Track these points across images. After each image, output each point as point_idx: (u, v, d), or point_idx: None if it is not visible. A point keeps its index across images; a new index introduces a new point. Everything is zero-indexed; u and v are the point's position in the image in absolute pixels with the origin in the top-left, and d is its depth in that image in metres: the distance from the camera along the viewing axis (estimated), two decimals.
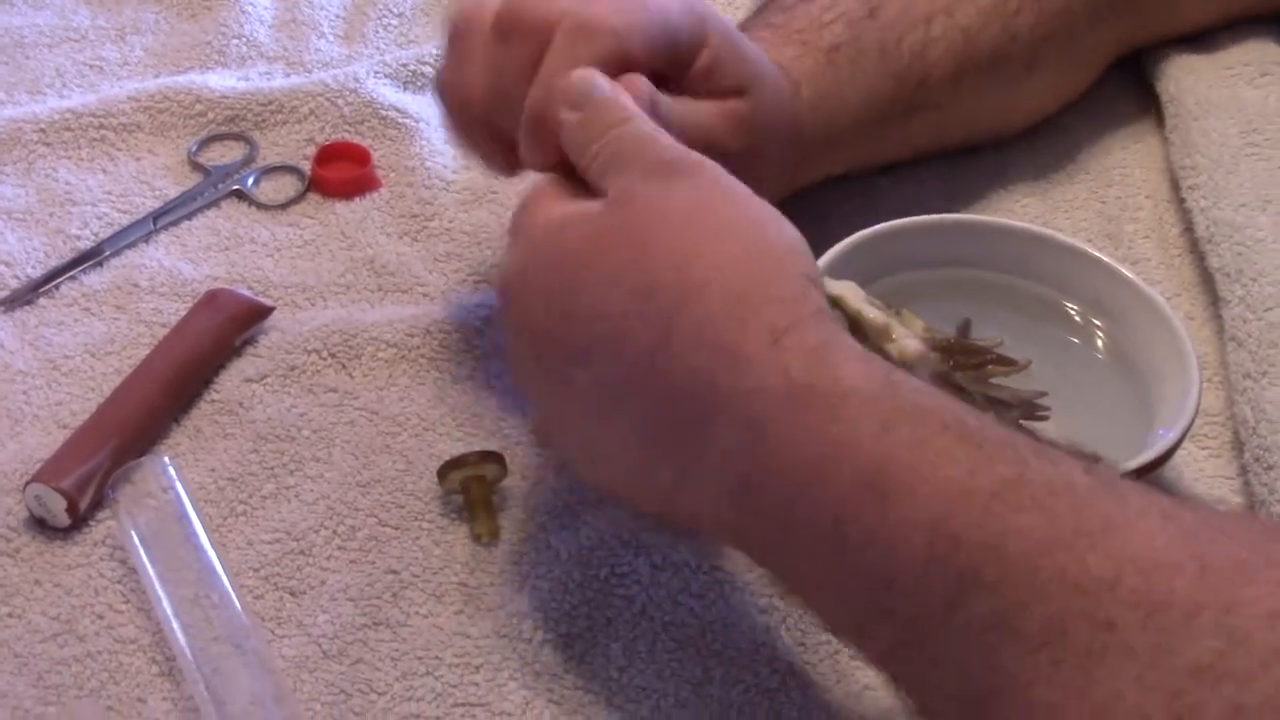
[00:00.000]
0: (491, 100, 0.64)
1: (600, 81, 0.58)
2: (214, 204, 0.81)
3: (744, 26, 0.76)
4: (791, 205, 0.73)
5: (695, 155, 0.56)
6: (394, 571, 0.63)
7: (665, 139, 0.56)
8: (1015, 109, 0.83)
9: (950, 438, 0.47)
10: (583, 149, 0.57)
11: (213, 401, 0.70)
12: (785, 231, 0.54)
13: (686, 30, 0.64)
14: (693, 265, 0.52)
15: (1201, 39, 0.87)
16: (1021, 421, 0.61)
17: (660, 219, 0.53)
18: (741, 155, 0.64)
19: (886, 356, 0.61)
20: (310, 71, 0.90)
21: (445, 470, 0.65)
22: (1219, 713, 0.41)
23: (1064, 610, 0.44)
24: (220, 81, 0.88)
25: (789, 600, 0.60)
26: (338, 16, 0.95)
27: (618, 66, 0.60)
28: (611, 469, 0.56)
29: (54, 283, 0.76)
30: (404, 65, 0.89)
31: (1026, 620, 0.44)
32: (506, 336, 0.59)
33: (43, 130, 0.84)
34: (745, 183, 0.57)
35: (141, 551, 0.61)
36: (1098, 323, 0.68)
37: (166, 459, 0.65)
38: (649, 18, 0.63)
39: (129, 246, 0.78)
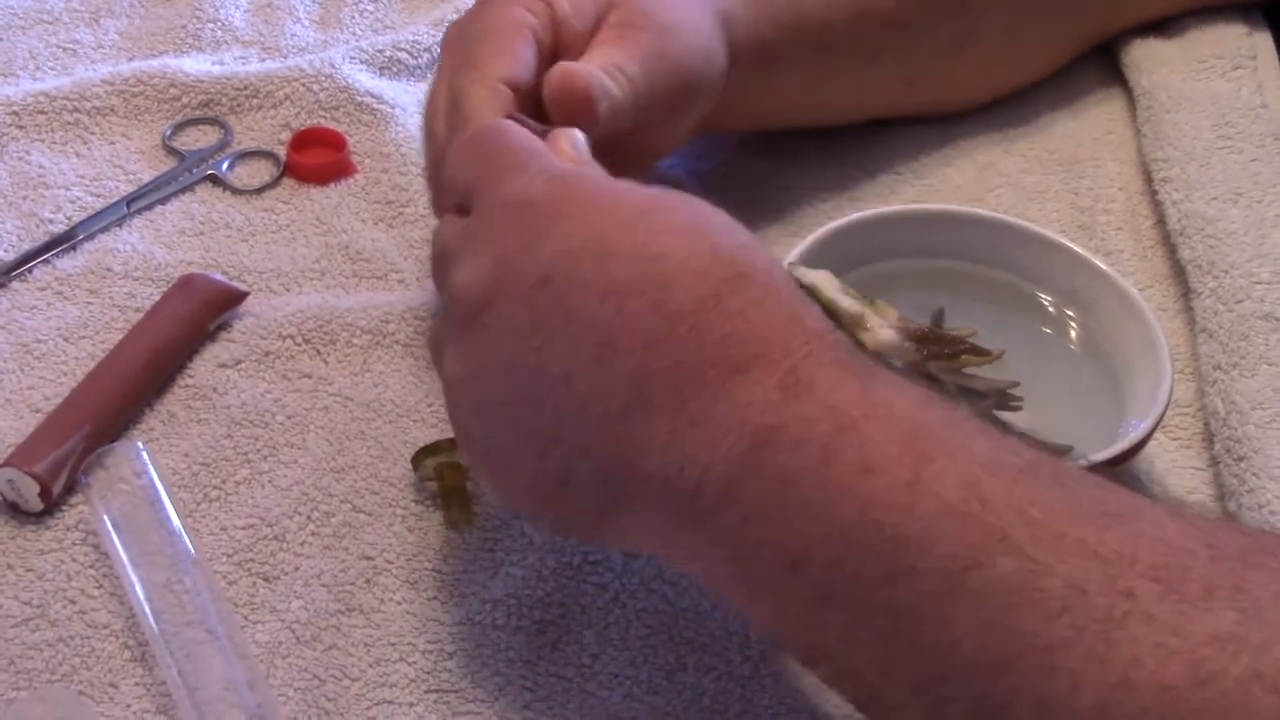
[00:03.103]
0: None
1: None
2: (188, 188, 0.81)
3: None
4: (766, 195, 0.74)
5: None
6: (368, 558, 0.63)
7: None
8: (974, 63, 0.84)
9: (975, 425, 0.49)
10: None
11: (186, 386, 0.70)
12: None
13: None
14: (752, 250, 0.53)
15: (1174, 31, 0.87)
16: (995, 411, 0.62)
17: (712, 211, 0.55)
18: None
19: (860, 346, 0.62)
20: (285, 57, 0.90)
21: (419, 457, 0.65)
22: (1237, 679, 0.42)
23: (1086, 575, 0.44)
24: (195, 66, 0.88)
25: (741, 599, 0.53)
26: (313, 2, 0.94)
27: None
28: (547, 424, 0.52)
29: (27, 266, 0.75)
30: (380, 51, 0.88)
31: (1049, 582, 0.44)
32: (486, 258, 0.54)
33: (15, 113, 0.83)
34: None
35: (114, 536, 0.61)
36: (1071, 314, 0.69)
37: (140, 444, 0.65)
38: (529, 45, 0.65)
39: (102, 230, 0.78)
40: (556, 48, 0.67)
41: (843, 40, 0.77)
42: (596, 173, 0.57)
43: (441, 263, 0.57)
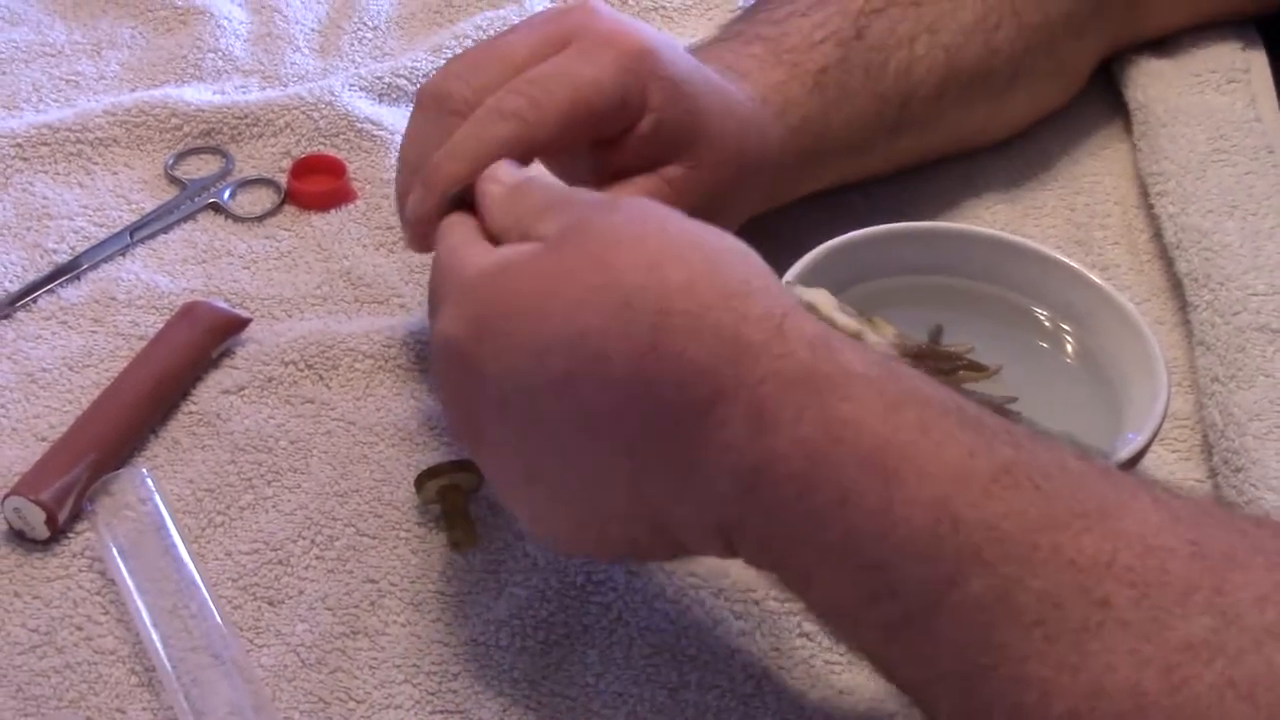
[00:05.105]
0: (414, 165, 0.66)
1: (517, 172, 0.61)
2: (190, 217, 0.82)
3: (734, 32, 0.76)
4: (761, 214, 0.74)
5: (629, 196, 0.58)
6: (372, 580, 0.63)
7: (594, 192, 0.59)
8: (999, 121, 0.84)
9: (951, 421, 0.49)
10: (507, 211, 0.58)
11: (190, 413, 0.70)
12: (735, 239, 0.55)
13: (619, 100, 0.64)
14: (667, 269, 0.51)
15: (1169, 46, 0.87)
16: None
17: (617, 239, 0.53)
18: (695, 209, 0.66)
19: None
20: (286, 85, 0.90)
21: (422, 480, 0.65)
22: (1210, 685, 0.43)
23: (1059, 586, 0.45)
24: (196, 95, 0.88)
25: (786, 593, 0.57)
26: (313, 30, 0.95)
27: (526, 151, 0.63)
28: (588, 509, 0.55)
29: (32, 296, 0.76)
30: (379, 78, 0.89)
31: (1022, 596, 0.45)
32: (454, 395, 0.57)
33: (19, 145, 0.84)
34: (710, 219, 0.60)
35: (120, 563, 0.62)
36: (1067, 328, 0.69)
37: (144, 471, 0.66)
38: (566, 102, 0.63)
39: (106, 260, 0.78)
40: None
41: (882, 129, 0.77)
42: (505, 255, 0.55)
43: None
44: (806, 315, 0.52)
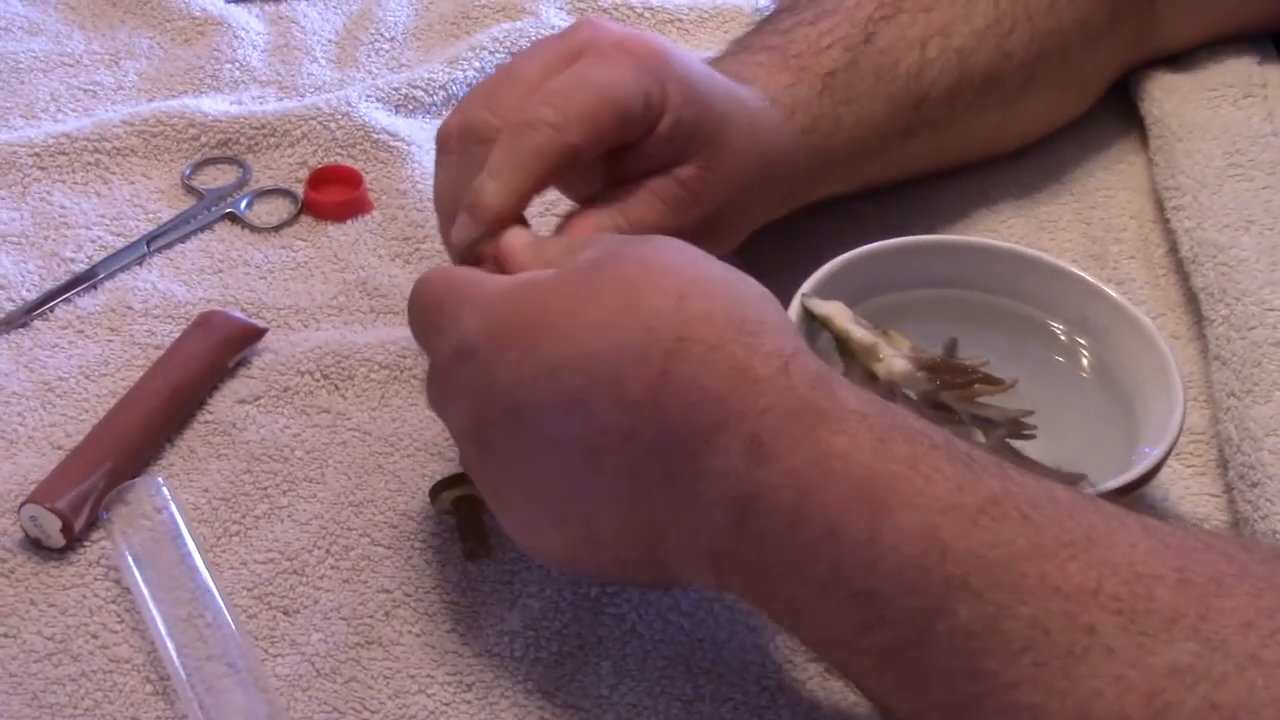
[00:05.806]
0: (453, 207, 0.66)
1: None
2: (207, 227, 0.82)
3: (742, 45, 0.77)
4: (777, 227, 0.74)
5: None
6: (386, 590, 0.64)
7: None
8: (1012, 128, 0.84)
9: (940, 456, 0.50)
10: (535, 257, 0.59)
11: (206, 422, 0.71)
12: (756, 283, 0.56)
13: (643, 100, 0.64)
14: (690, 299, 0.53)
15: (1185, 60, 0.87)
16: (1008, 440, 0.62)
17: (646, 268, 0.55)
18: (705, 217, 0.66)
19: (874, 376, 0.62)
20: (303, 95, 0.90)
21: (436, 490, 0.65)
22: (1193, 710, 0.43)
23: (1047, 613, 0.46)
24: (213, 105, 0.88)
25: (777, 625, 0.60)
26: (330, 41, 0.95)
27: (561, 158, 0.62)
28: (582, 527, 0.56)
29: (48, 305, 0.76)
30: (395, 89, 0.89)
31: (1011, 623, 0.46)
32: (465, 403, 0.57)
33: (37, 154, 0.84)
34: (726, 220, 0.62)
35: (135, 571, 0.62)
36: (1083, 342, 0.69)
37: (160, 479, 0.66)
38: (593, 103, 0.63)
39: (123, 269, 0.79)
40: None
41: (895, 131, 0.77)
42: (533, 274, 0.57)
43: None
44: (813, 357, 0.53)
